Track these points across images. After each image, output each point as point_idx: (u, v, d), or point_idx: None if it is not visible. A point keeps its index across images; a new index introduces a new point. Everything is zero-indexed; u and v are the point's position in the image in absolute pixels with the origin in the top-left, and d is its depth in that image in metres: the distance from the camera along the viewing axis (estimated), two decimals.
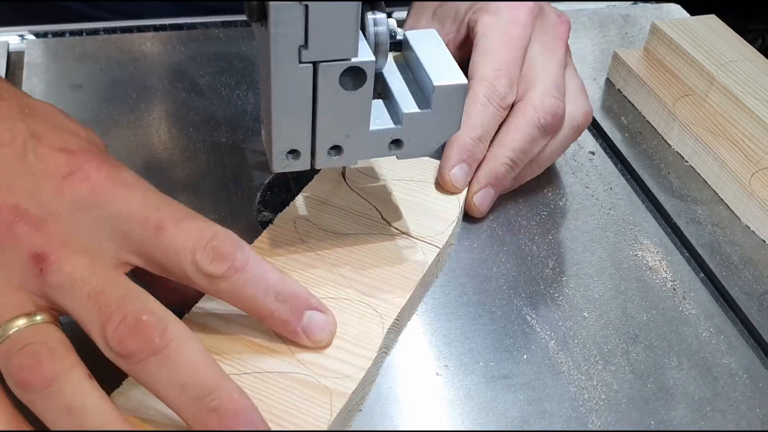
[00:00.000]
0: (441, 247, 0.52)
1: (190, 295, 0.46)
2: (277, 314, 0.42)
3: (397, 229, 0.53)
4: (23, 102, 0.45)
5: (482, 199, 0.57)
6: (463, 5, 0.62)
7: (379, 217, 0.53)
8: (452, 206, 0.55)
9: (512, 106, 0.58)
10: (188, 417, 0.38)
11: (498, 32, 0.59)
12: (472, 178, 0.57)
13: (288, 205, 0.54)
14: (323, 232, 0.52)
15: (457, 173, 0.56)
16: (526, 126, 0.56)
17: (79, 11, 0.80)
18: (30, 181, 0.41)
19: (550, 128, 0.57)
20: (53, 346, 0.39)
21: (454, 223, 0.54)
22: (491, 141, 0.57)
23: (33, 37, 0.72)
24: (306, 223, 0.52)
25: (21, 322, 0.39)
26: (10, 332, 0.39)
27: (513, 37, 0.59)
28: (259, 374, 0.43)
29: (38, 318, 0.40)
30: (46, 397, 0.37)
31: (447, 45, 0.58)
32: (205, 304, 0.46)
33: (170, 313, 0.39)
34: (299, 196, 0.54)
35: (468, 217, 0.58)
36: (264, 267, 0.42)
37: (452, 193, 0.56)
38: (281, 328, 0.43)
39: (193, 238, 0.41)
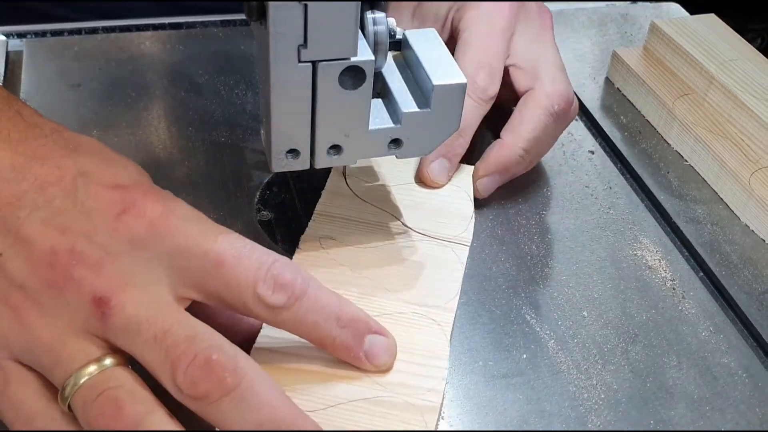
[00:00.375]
0: (469, 244, 0.52)
1: (243, 329, 0.44)
2: (339, 340, 0.41)
3: (422, 234, 0.52)
4: (66, 137, 0.43)
5: (487, 185, 0.57)
6: (444, 5, 0.62)
7: (401, 224, 0.53)
8: (465, 202, 0.55)
9: (516, 97, 0.58)
10: None
11: (480, 25, 0.59)
12: (481, 162, 0.57)
13: (287, 204, 0.54)
14: (352, 248, 0.51)
15: (435, 168, 0.56)
16: (540, 114, 0.57)
17: (47, 12, 0.78)
18: (84, 222, 0.39)
19: (563, 114, 0.58)
20: (131, 389, 0.37)
21: (473, 219, 0.54)
22: (504, 128, 0.57)
23: (31, 36, 0.72)
24: (331, 241, 0.51)
25: (91, 369, 0.38)
26: (82, 381, 0.37)
27: (496, 29, 0.59)
28: (344, 404, 0.41)
29: (107, 362, 0.38)
30: None
31: None
32: (261, 339, 0.44)
33: (238, 348, 0.38)
34: (315, 215, 0.53)
35: None
36: (324, 292, 0.41)
37: (431, 188, 0.56)
38: (343, 354, 0.42)
39: (253, 270, 0.40)
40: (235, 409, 0.37)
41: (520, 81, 0.59)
